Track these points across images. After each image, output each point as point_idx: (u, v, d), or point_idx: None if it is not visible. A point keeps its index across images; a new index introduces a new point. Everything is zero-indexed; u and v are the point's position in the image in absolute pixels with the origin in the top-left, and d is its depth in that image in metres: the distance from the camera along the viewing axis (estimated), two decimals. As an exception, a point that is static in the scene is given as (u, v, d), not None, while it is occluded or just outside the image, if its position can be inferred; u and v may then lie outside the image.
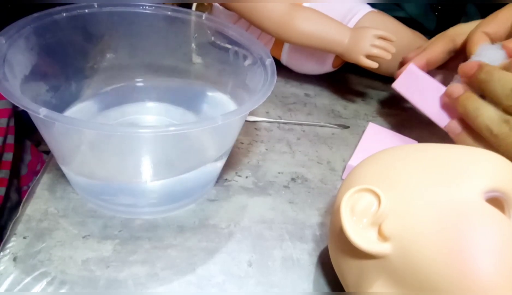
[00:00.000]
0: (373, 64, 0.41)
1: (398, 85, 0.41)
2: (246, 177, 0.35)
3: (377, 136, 0.40)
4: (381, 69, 0.46)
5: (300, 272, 0.28)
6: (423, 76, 0.39)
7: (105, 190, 0.30)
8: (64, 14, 0.31)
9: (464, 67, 0.34)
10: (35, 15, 0.29)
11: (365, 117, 0.46)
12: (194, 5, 0.46)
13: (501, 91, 0.30)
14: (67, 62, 0.33)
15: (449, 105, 0.36)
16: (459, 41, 0.40)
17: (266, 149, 0.39)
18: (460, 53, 0.40)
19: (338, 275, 0.25)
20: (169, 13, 0.34)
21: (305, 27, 0.40)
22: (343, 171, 0.37)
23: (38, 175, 0.32)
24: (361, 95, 0.50)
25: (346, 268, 0.24)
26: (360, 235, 0.21)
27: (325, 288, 0.28)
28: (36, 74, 0.29)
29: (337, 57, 0.45)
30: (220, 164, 0.32)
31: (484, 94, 0.32)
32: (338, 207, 0.22)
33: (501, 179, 0.21)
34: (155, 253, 0.28)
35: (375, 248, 0.21)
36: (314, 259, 0.29)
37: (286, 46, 0.47)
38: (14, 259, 0.26)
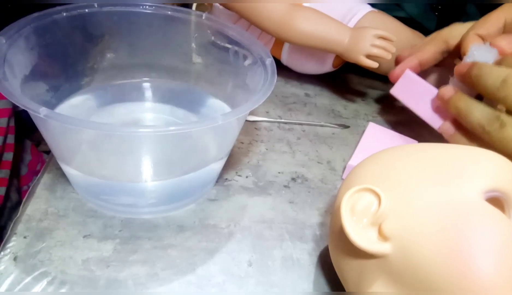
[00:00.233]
0: (373, 64, 0.41)
1: (396, 91, 0.42)
2: (246, 177, 0.35)
3: (377, 136, 0.40)
4: (381, 69, 0.46)
5: (300, 272, 0.28)
6: (418, 81, 0.40)
7: (105, 190, 0.30)
8: (64, 14, 0.31)
9: (458, 67, 0.35)
10: (35, 15, 0.29)
11: (365, 117, 0.46)
12: (194, 5, 0.46)
13: (492, 83, 0.31)
14: (67, 62, 0.33)
15: (442, 107, 0.37)
16: (453, 42, 0.40)
17: (266, 149, 0.39)
18: (454, 54, 0.40)
19: (338, 275, 0.25)
20: (169, 13, 0.34)
21: (305, 27, 0.40)
22: (343, 171, 0.37)
23: (38, 175, 0.32)
24: (361, 95, 0.50)
25: (346, 268, 0.24)
26: (360, 234, 0.21)
27: (325, 288, 0.28)
28: (36, 74, 0.29)
29: (337, 57, 0.45)
30: (220, 164, 0.32)
31: (477, 90, 0.33)
32: (338, 207, 0.22)
33: (501, 179, 0.21)
34: (155, 253, 0.28)
35: (375, 248, 0.21)
36: (314, 259, 0.29)
37: (286, 46, 0.47)
38: (15, 259, 0.26)
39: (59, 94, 0.32)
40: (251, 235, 0.30)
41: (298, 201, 0.34)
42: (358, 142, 0.40)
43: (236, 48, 0.33)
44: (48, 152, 0.34)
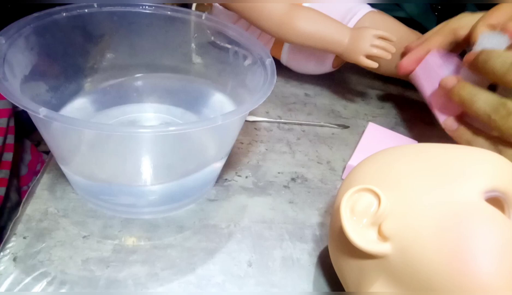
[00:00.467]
0: (373, 64, 0.41)
1: (415, 76, 0.40)
2: (246, 177, 0.35)
3: (377, 136, 0.40)
4: (381, 69, 0.46)
5: (300, 272, 0.28)
6: (436, 68, 0.38)
7: (105, 190, 0.30)
8: (64, 14, 0.31)
9: (467, 56, 0.34)
10: (35, 15, 0.29)
11: (365, 117, 0.46)
12: (194, 5, 0.46)
13: (500, 67, 0.30)
14: (67, 62, 0.33)
15: (450, 100, 0.35)
16: (461, 32, 0.39)
17: (266, 149, 0.39)
18: (463, 44, 0.40)
19: (338, 275, 0.25)
20: (169, 13, 0.34)
21: (305, 27, 0.40)
22: (343, 171, 0.37)
23: (38, 175, 0.32)
24: (361, 95, 0.50)
25: (346, 268, 0.24)
26: (360, 235, 0.21)
27: (325, 288, 0.28)
28: (36, 74, 0.29)
29: (337, 57, 0.45)
30: (220, 164, 0.32)
31: (485, 75, 0.32)
32: (338, 207, 0.22)
33: (501, 179, 0.21)
34: (155, 253, 0.28)
35: (375, 248, 0.21)
36: (314, 259, 0.29)
37: (286, 46, 0.47)
38: (14, 259, 0.26)
39: (58, 94, 0.32)
40: (251, 235, 0.30)
41: (298, 201, 0.34)
42: (358, 142, 0.40)
43: (236, 48, 0.33)
44: (48, 152, 0.34)
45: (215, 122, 0.23)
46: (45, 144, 0.33)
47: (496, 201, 0.21)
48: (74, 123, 0.21)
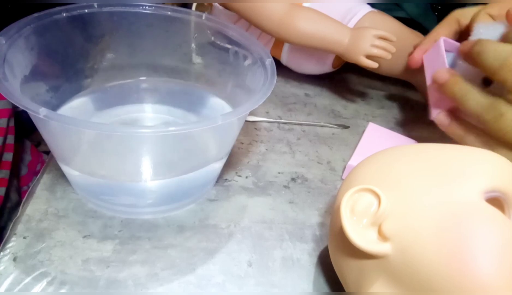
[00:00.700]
0: (373, 64, 0.41)
1: (424, 60, 0.39)
2: (246, 177, 0.35)
3: (377, 136, 0.40)
4: (381, 69, 0.46)
5: (300, 272, 0.28)
6: (441, 56, 0.37)
7: (105, 190, 0.30)
8: (64, 14, 0.31)
9: (462, 45, 0.33)
10: (35, 15, 0.29)
11: (365, 117, 0.46)
12: (194, 5, 0.46)
13: (492, 62, 0.29)
14: (67, 62, 0.33)
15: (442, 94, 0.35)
16: (464, 22, 0.39)
17: (266, 149, 0.39)
18: (466, 34, 0.39)
19: (338, 275, 0.25)
20: (169, 13, 0.34)
21: (305, 27, 0.40)
22: (343, 171, 0.37)
23: (38, 175, 0.32)
24: (361, 95, 0.50)
25: (346, 268, 0.24)
26: (360, 235, 0.21)
27: (325, 288, 0.28)
28: (36, 74, 0.29)
29: (337, 57, 0.45)
30: (220, 164, 0.32)
31: (479, 68, 0.31)
32: (338, 207, 0.22)
33: (501, 179, 0.21)
34: (155, 253, 0.28)
35: (375, 248, 0.21)
36: (314, 259, 0.29)
37: (286, 46, 0.47)
38: (14, 259, 0.26)
39: (59, 94, 0.32)
40: (251, 236, 0.30)
41: (298, 201, 0.34)
42: (358, 142, 0.40)
43: (236, 48, 0.33)
44: (48, 152, 0.34)
45: (215, 122, 0.23)
46: (45, 144, 0.33)
47: (496, 201, 0.21)
48: (75, 123, 0.21)
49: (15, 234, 0.27)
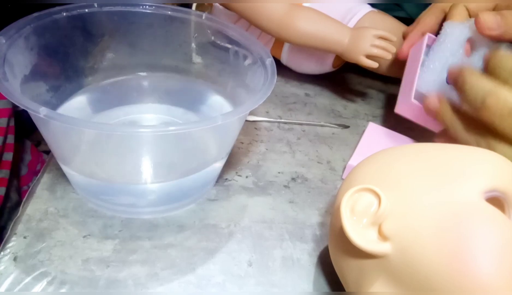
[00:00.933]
0: (373, 64, 0.41)
1: (410, 53, 0.40)
2: (246, 177, 0.35)
3: (378, 136, 0.40)
4: (381, 69, 0.46)
5: (300, 272, 0.28)
6: (419, 54, 0.38)
7: (105, 190, 0.30)
8: (64, 14, 0.31)
9: (450, 69, 0.32)
10: (35, 15, 0.29)
11: (365, 117, 0.46)
12: (194, 5, 0.46)
13: (474, 102, 0.27)
14: (67, 62, 0.33)
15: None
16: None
17: (266, 149, 0.39)
18: None
19: (338, 275, 0.25)
20: (169, 13, 0.34)
21: (305, 27, 0.40)
22: (343, 171, 0.37)
23: (38, 175, 0.32)
24: (361, 95, 0.50)
25: (346, 268, 0.24)
26: (360, 234, 0.21)
27: (325, 288, 0.28)
28: (36, 74, 0.29)
29: (337, 57, 0.45)
30: (220, 164, 0.32)
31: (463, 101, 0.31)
32: (338, 207, 0.22)
33: (501, 179, 0.21)
34: (155, 253, 0.28)
35: (375, 248, 0.21)
36: (314, 259, 0.29)
37: (286, 46, 0.47)
38: (14, 259, 0.26)
39: (59, 94, 0.32)
40: (251, 235, 0.30)
41: (298, 201, 0.34)
42: (358, 142, 0.40)
43: (236, 48, 0.33)
44: (48, 152, 0.34)
45: (215, 122, 0.23)
46: (45, 144, 0.33)
47: (496, 201, 0.21)
48: (75, 122, 0.21)
49: (15, 234, 0.27)
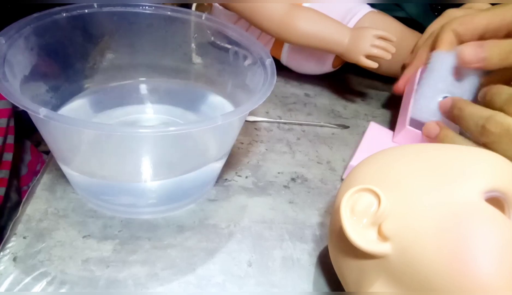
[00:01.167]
0: (373, 64, 0.41)
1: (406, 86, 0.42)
2: (246, 177, 0.35)
3: (379, 136, 0.40)
4: (381, 69, 0.46)
5: (300, 272, 0.28)
6: (412, 88, 0.39)
7: (105, 190, 0.30)
8: (64, 14, 0.31)
9: (441, 104, 0.35)
10: (35, 15, 0.29)
11: (365, 117, 0.46)
12: (194, 5, 0.46)
13: (474, 128, 0.30)
14: (67, 62, 0.33)
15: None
16: None
17: (266, 149, 0.39)
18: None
19: (338, 275, 0.25)
20: (169, 13, 0.34)
21: (305, 27, 0.40)
22: (343, 171, 0.37)
23: (38, 175, 0.32)
24: (361, 95, 0.50)
25: (346, 268, 0.24)
26: (360, 235, 0.21)
27: (325, 288, 0.28)
28: (36, 74, 0.29)
29: (337, 57, 0.45)
30: (220, 164, 0.32)
31: (462, 128, 0.32)
32: (338, 207, 0.22)
33: (501, 179, 0.21)
34: (155, 253, 0.28)
35: (375, 248, 0.21)
36: (314, 259, 0.29)
37: (286, 46, 0.47)
38: (14, 259, 0.26)
39: (59, 94, 0.32)
40: (251, 235, 0.30)
41: (298, 201, 0.34)
42: (359, 142, 0.40)
43: (236, 48, 0.33)
44: (48, 152, 0.34)
45: (215, 122, 0.23)
46: (45, 144, 0.33)
47: (496, 201, 0.21)
48: (75, 123, 0.21)
49: (15, 234, 0.27)
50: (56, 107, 0.32)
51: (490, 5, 0.40)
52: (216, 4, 0.45)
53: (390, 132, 0.41)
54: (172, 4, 0.35)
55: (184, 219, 0.30)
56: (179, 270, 0.27)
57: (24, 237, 0.27)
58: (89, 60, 0.35)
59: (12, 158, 0.49)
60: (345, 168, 0.37)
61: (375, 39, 0.40)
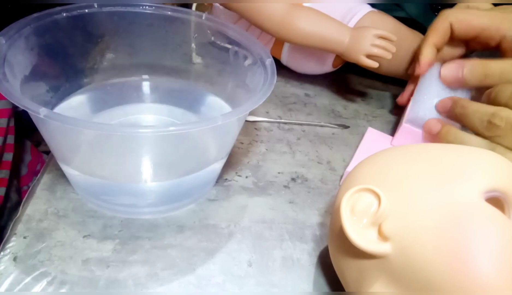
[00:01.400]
0: (373, 64, 0.41)
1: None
2: (246, 177, 0.35)
3: (376, 141, 0.40)
4: (382, 69, 0.46)
5: (300, 272, 0.28)
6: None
7: (105, 190, 0.30)
8: (64, 14, 0.31)
9: (439, 104, 0.36)
10: (35, 15, 0.29)
11: (365, 117, 0.46)
12: (194, 5, 0.46)
13: (479, 124, 0.31)
14: (67, 62, 0.33)
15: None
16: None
17: (266, 149, 0.39)
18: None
19: (338, 275, 0.25)
20: (169, 13, 0.34)
21: (306, 27, 0.40)
22: (343, 171, 0.37)
23: (38, 175, 0.32)
24: (361, 95, 0.50)
25: (346, 268, 0.24)
26: (360, 235, 0.21)
27: (325, 288, 0.28)
28: (36, 74, 0.29)
29: (337, 57, 0.45)
30: (220, 164, 0.32)
31: (464, 126, 0.33)
32: (338, 207, 0.22)
33: (501, 179, 0.21)
34: (155, 253, 0.28)
35: (375, 248, 0.21)
36: (314, 259, 0.29)
37: (286, 46, 0.47)
38: (14, 259, 0.26)
39: (59, 94, 0.32)
40: (251, 235, 0.30)
41: (298, 201, 0.34)
42: (357, 147, 0.40)
43: (236, 48, 0.33)
44: (48, 152, 0.34)
45: (215, 122, 0.23)
46: (45, 144, 0.33)
47: (496, 201, 0.21)
48: (75, 123, 0.21)
49: (15, 234, 0.27)
50: (56, 107, 0.32)
51: (489, 6, 0.40)
52: (216, 4, 0.45)
53: (389, 137, 0.41)
54: (172, 4, 0.35)
55: (184, 219, 0.30)
56: (179, 270, 0.27)
57: (24, 237, 0.27)
58: (89, 60, 0.35)
59: (12, 158, 0.49)
60: (345, 168, 0.37)
61: (376, 39, 0.40)
